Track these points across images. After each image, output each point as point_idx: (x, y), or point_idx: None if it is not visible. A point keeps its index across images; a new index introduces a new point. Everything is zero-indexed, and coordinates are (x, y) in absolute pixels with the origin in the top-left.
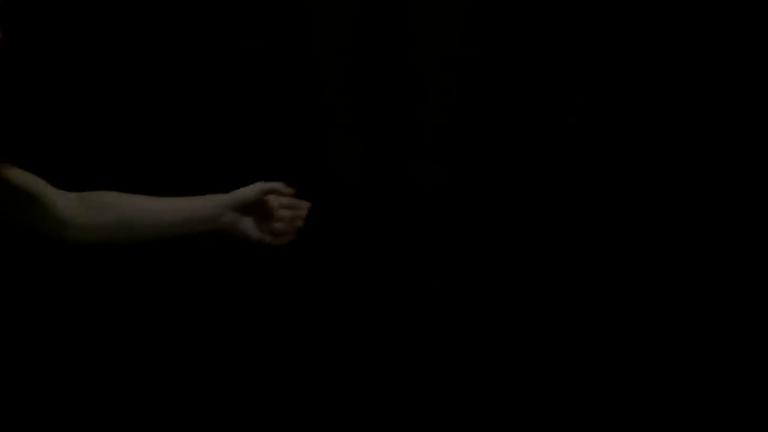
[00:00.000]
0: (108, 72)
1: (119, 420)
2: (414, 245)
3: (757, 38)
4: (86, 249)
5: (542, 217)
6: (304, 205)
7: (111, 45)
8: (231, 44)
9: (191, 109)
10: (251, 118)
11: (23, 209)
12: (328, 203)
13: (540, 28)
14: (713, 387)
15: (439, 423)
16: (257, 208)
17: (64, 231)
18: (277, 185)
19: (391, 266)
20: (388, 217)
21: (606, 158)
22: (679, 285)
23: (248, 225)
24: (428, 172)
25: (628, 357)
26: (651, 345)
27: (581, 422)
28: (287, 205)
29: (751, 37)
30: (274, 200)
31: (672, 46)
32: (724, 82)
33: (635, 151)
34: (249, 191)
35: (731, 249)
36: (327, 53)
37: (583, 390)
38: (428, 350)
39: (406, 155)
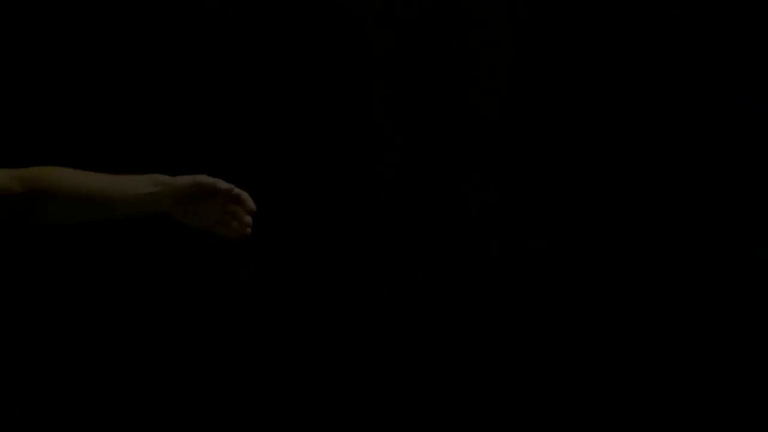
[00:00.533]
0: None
1: (118, 419)
2: (457, 264)
3: (757, 38)
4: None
5: (590, 243)
6: (249, 205)
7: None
8: (283, 60)
9: (237, 122)
10: (301, 134)
11: None
12: (375, 221)
13: (590, 58)
14: (713, 387)
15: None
16: (196, 199)
17: None
18: (220, 182)
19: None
20: (432, 237)
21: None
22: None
23: (185, 213)
24: (476, 194)
25: (627, 357)
26: (651, 345)
27: (579, 422)
28: (232, 199)
29: (751, 37)
30: (221, 195)
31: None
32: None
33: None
34: (188, 180)
35: (731, 249)
36: (377, 71)
37: (581, 390)
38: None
39: (454, 176)
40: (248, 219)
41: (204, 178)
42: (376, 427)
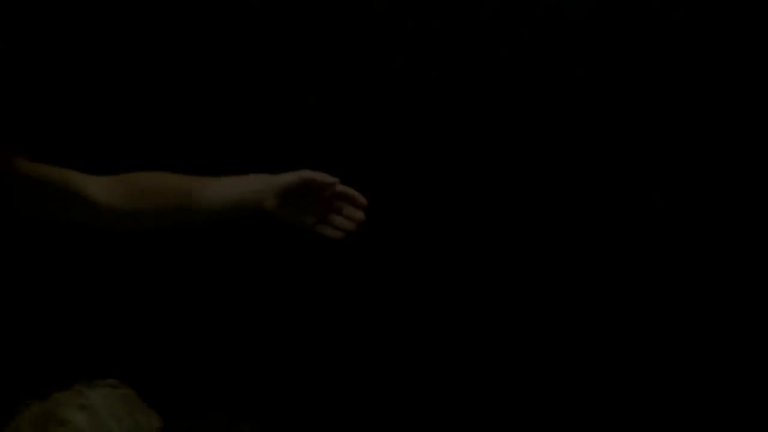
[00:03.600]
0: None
1: None
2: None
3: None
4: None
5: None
6: (359, 199)
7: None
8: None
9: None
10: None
11: (49, 200)
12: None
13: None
14: (713, 387)
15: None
16: (303, 196)
17: (100, 217)
18: (323, 175)
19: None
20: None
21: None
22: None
23: (291, 211)
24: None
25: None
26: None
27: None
28: (342, 197)
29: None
30: (327, 190)
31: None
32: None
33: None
34: (296, 176)
35: (731, 249)
36: None
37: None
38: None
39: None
40: (359, 214)
41: (308, 173)
42: (376, 427)
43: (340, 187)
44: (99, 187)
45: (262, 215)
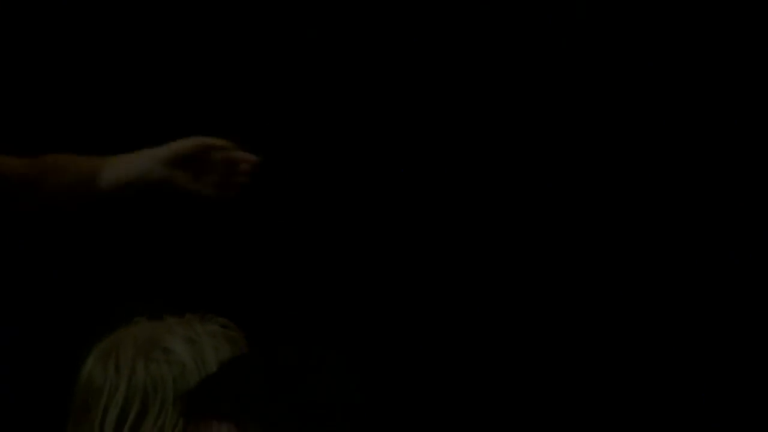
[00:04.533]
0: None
1: None
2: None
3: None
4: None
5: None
6: (248, 158)
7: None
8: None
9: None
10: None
11: None
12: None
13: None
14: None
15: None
16: (193, 163)
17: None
18: (215, 140)
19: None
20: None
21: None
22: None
23: (185, 178)
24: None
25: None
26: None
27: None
28: (228, 159)
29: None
30: (213, 154)
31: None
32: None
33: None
34: (184, 143)
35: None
36: None
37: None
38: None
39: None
40: (246, 168)
41: (197, 138)
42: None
43: (233, 153)
44: (10, 164)
45: (162, 189)
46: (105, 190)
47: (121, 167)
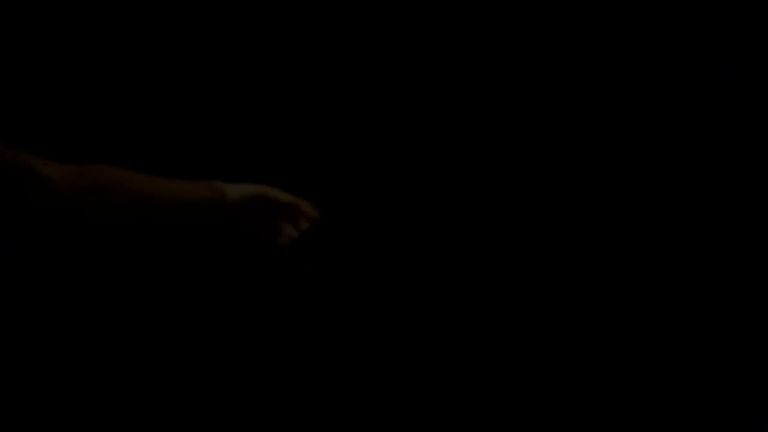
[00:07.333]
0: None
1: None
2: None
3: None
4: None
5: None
6: (308, 208)
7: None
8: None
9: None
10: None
11: (4, 179)
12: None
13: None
14: (713, 387)
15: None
16: (256, 208)
17: (57, 202)
18: (276, 190)
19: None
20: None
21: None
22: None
23: (251, 221)
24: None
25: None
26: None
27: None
28: (288, 207)
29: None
30: (275, 202)
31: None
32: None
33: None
34: (246, 188)
35: (731, 249)
36: None
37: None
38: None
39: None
40: (305, 225)
41: (265, 189)
42: (376, 427)
43: (297, 206)
44: (58, 172)
45: (215, 225)
46: (160, 210)
47: (184, 193)
